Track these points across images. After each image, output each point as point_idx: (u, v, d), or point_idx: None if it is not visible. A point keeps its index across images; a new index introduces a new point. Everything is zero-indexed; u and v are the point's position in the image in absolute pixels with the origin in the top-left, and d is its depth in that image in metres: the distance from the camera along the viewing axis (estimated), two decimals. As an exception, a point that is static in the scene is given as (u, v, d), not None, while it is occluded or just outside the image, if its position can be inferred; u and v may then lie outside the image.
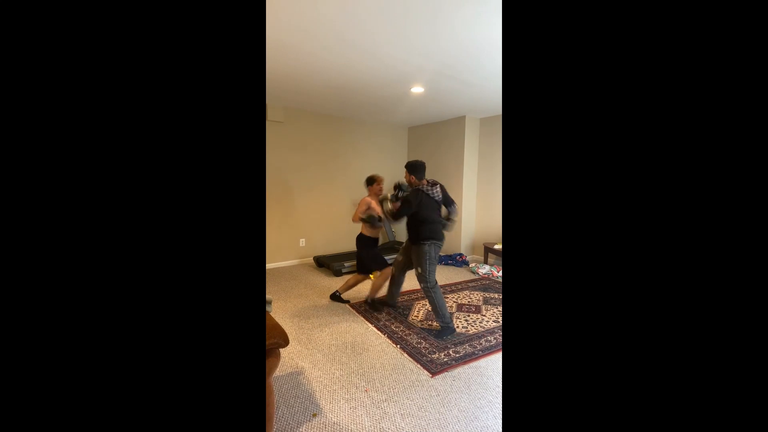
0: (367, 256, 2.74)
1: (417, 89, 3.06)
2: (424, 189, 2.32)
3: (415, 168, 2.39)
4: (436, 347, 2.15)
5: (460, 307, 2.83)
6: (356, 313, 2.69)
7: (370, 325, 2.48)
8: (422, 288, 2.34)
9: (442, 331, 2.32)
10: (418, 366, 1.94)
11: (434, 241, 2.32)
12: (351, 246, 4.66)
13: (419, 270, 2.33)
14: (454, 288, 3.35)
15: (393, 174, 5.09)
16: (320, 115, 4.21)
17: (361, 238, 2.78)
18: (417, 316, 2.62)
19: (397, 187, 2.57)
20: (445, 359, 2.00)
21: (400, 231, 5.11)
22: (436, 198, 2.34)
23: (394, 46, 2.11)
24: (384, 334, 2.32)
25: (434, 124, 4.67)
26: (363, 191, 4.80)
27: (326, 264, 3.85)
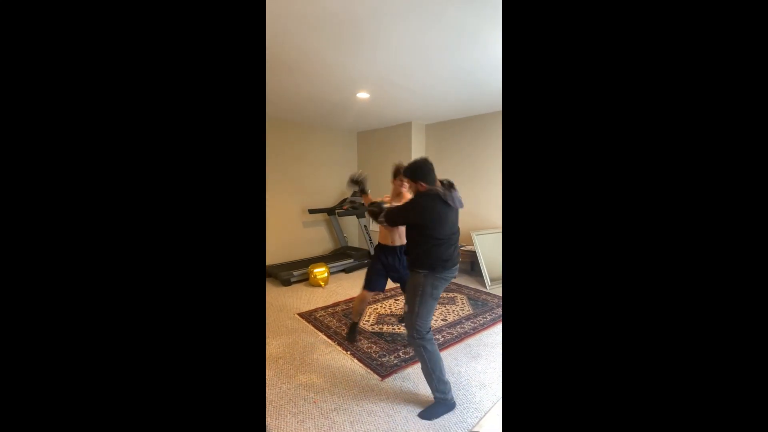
0: (370, 267, 2.22)
1: (363, 95, 3.09)
2: (441, 194, 1.52)
3: (416, 172, 1.57)
4: (386, 350, 2.16)
5: (410, 309, 2.89)
6: (306, 323, 2.61)
7: (320, 333, 2.42)
8: (407, 338, 1.64)
9: (435, 406, 1.57)
10: (368, 370, 1.93)
11: (435, 273, 1.53)
12: (299, 254, 4.53)
13: (406, 308, 1.59)
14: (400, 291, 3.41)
15: (344, 181, 5.06)
16: (267, 120, 4.05)
17: (377, 247, 2.27)
18: (368, 320, 2.61)
19: (355, 181, 2.08)
20: (395, 361, 2.02)
21: (352, 236, 5.09)
22: (455, 206, 1.56)
23: (337, 51, 2.11)
24: (334, 342, 2.28)
25: (382, 130, 4.75)
26: (313, 198, 4.71)
27: (274, 274, 3.69)
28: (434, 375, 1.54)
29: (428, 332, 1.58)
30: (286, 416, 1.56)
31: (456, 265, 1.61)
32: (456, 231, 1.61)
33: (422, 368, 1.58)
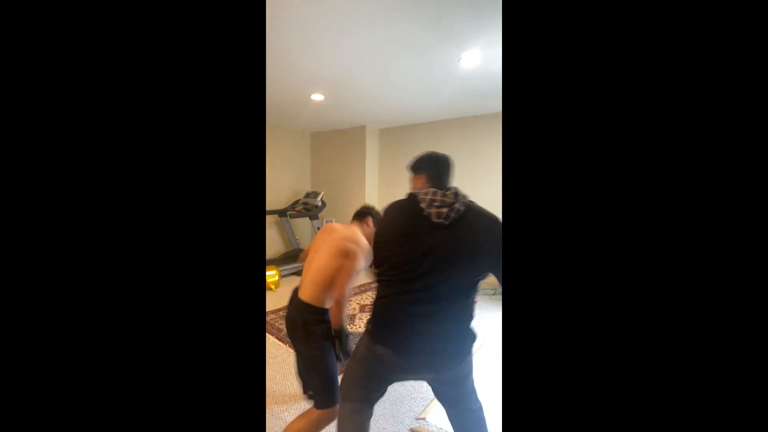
0: (319, 365, 1.19)
1: (317, 96, 3.10)
2: (419, 197, 0.95)
3: (423, 166, 1.05)
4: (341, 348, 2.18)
5: (363, 308, 2.94)
6: (255, 326, 2.54)
7: (270, 336, 2.37)
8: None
9: None
10: (321, 370, 1.95)
11: (377, 344, 0.95)
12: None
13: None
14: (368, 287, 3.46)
15: (297, 182, 4.98)
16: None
17: (309, 313, 1.21)
18: (320, 322, 2.62)
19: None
20: (346, 360, 2.06)
21: (304, 238, 5.01)
22: (433, 218, 0.91)
23: (291, 53, 2.12)
24: (285, 344, 2.25)
25: (336, 131, 4.77)
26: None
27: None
28: None
29: (355, 403, 1.01)
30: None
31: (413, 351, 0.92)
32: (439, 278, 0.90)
33: None
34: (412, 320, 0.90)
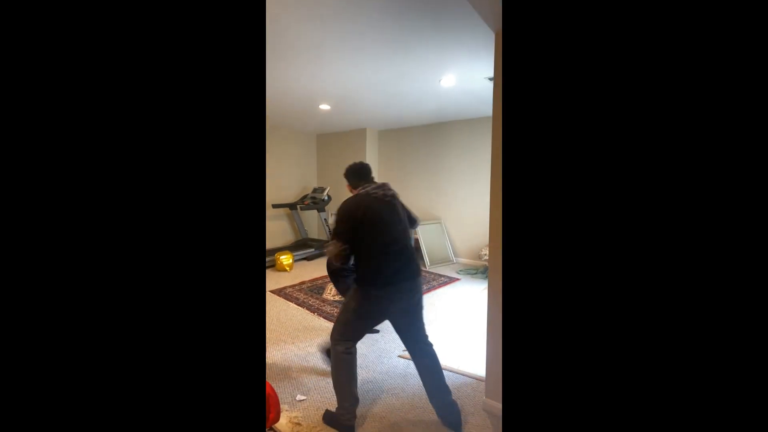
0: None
1: (324, 107, 3.66)
2: (371, 191, 1.43)
3: (352, 174, 1.58)
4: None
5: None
6: (277, 297, 3.14)
7: (290, 303, 2.98)
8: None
9: (333, 415, 1.47)
10: (330, 323, 2.54)
11: (374, 290, 1.37)
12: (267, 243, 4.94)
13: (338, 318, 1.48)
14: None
15: (305, 179, 5.55)
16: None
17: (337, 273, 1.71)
18: (330, 292, 3.21)
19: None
20: (352, 317, 2.66)
21: (312, 228, 5.60)
22: (386, 200, 1.44)
23: (302, 74, 2.68)
24: (303, 308, 2.85)
25: (340, 134, 5.33)
26: (276, 194, 5.12)
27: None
28: (339, 390, 1.44)
29: (346, 349, 1.44)
30: (272, 350, 2.13)
31: (403, 280, 1.40)
32: (404, 237, 1.47)
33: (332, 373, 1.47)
34: (397, 265, 1.41)
